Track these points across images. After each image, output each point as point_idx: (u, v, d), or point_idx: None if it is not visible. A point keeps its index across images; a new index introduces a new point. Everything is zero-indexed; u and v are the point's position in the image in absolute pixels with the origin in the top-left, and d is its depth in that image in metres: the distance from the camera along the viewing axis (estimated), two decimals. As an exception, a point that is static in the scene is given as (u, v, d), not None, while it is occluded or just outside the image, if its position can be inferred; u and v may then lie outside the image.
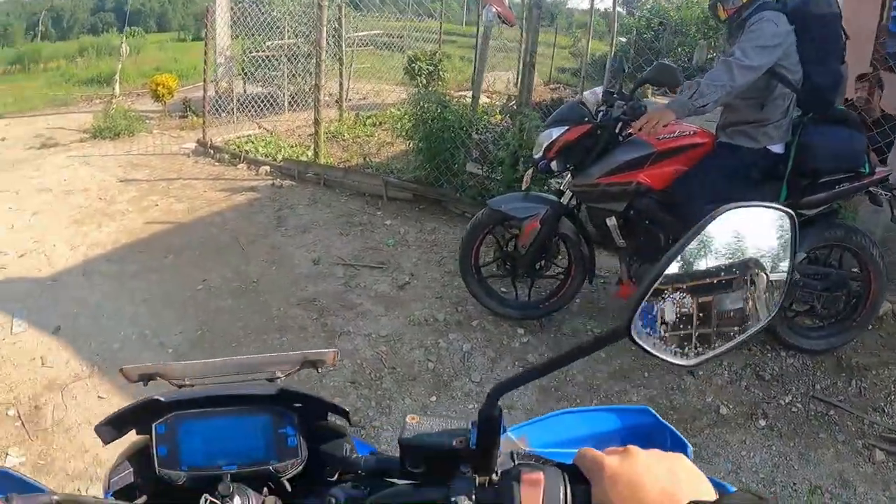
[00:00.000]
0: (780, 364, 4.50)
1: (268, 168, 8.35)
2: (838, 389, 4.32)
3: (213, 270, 5.54)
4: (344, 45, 12.00)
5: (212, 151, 9.28)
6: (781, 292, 1.06)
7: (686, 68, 16.73)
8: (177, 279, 5.44)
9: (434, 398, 4.06)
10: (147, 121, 12.05)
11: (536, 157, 4.44)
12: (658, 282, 0.94)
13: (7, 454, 3.57)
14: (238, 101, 11.69)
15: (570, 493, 0.87)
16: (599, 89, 4.58)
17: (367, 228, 6.45)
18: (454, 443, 0.95)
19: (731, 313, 1.03)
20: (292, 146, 9.40)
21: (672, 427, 1.29)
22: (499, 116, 8.61)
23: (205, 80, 10.10)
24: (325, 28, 8.35)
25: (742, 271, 1.03)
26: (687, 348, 1.00)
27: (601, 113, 4.32)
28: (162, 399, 1.08)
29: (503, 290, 5.02)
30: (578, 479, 0.89)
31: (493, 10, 7.89)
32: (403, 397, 4.03)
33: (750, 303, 1.04)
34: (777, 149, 4.18)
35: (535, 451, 1.08)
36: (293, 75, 12.41)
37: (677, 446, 1.17)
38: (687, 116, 3.92)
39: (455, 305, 5.03)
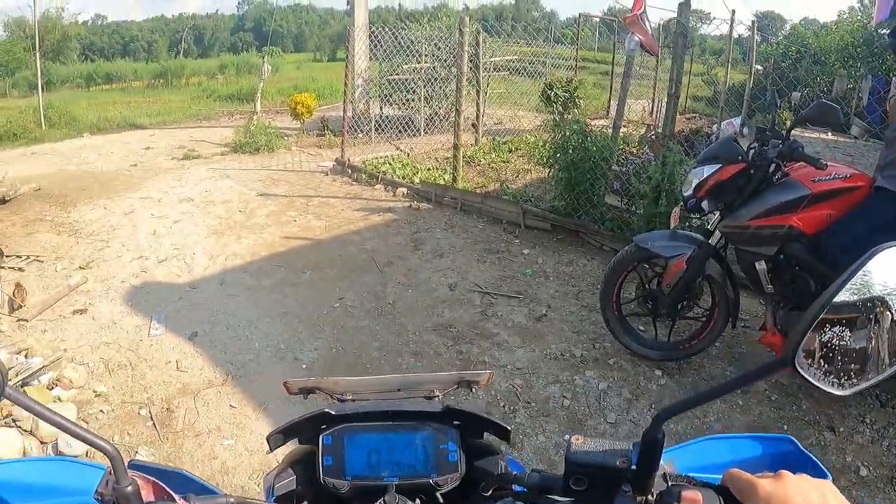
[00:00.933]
0: None
1: (405, 190, 8.39)
2: None
3: (349, 289, 5.55)
4: (481, 70, 12.02)
5: (349, 171, 9.42)
6: None
7: (820, 97, 16.22)
8: (313, 295, 5.46)
9: (567, 437, 3.91)
10: (286, 137, 12.37)
11: (686, 194, 4.28)
12: (821, 315, 0.94)
13: (137, 452, 3.63)
14: (375, 122, 11.86)
15: None
16: (737, 120, 4.42)
17: (505, 256, 6.37)
18: (617, 462, 0.97)
19: (885, 347, 1.00)
20: (428, 169, 9.47)
21: (814, 457, 1.25)
22: (636, 147, 8.43)
23: (344, 101, 10.27)
24: (465, 53, 8.35)
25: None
26: (843, 379, 1.00)
27: (753, 150, 4.13)
28: (332, 412, 1.15)
29: (642, 328, 4.89)
30: (731, 500, 0.91)
31: (637, 38, 7.75)
32: (537, 433, 3.92)
33: None
34: None
35: (683, 474, 1.04)
36: (429, 99, 12.51)
37: (819, 477, 1.05)
38: None
39: (592, 341, 4.89)
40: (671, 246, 4.38)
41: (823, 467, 1.21)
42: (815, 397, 4.33)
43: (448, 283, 5.71)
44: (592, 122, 11.58)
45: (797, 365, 0.93)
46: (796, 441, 1.30)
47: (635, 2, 8.10)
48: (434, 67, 12.70)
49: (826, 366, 0.98)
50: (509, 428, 1.13)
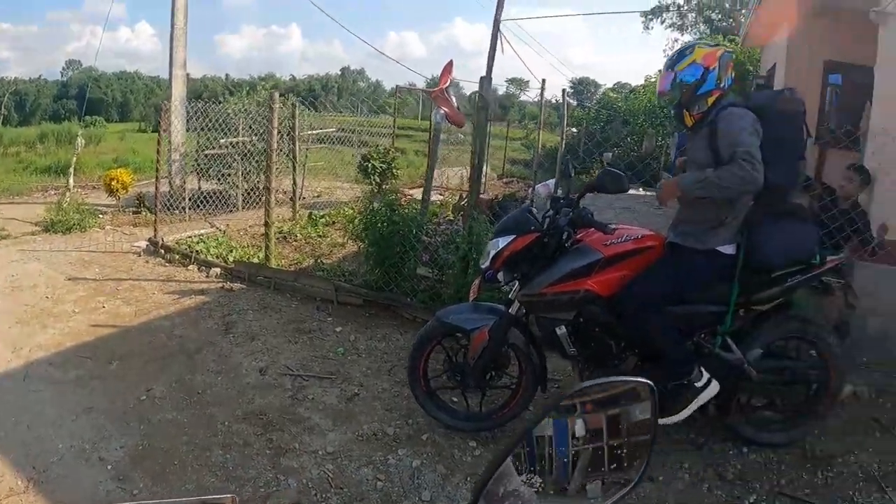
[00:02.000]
0: (742, 461, 4.48)
1: (218, 270, 8.29)
2: (804, 482, 4.30)
3: (158, 379, 5.41)
4: (297, 143, 12.09)
5: (163, 251, 9.21)
6: (646, 456, 1.20)
7: (630, 158, 17.14)
8: (120, 388, 5.29)
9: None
10: (100, 216, 11.97)
11: (483, 266, 4.43)
12: (503, 464, 1.00)
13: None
14: (191, 198, 11.70)
15: None
16: (551, 182, 4.64)
17: (317, 335, 6.37)
18: None
19: (600, 476, 1.14)
20: (244, 247, 9.38)
21: None
22: (451, 215, 8.66)
23: (157, 177, 10.13)
24: (275, 128, 8.39)
25: (603, 439, 1.13)
26: None
27: (548, 219, 4.33)
28: None
29: (455, 400, 4.96)
30: None
31: (442, 111, 8.03)
32: (350, 519, 3.94)
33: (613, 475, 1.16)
34: (728, 250, 4.19)
35: None
36: (247, 173, 12.46)
37: None
38: (689, 197, 4.04)
39: (405, 418, 4.94)
40: (472, 318, 4.52)
41: None
42: None
43: (259, 367, 5.66)
44: (410, 192, 11.83)
45: None
46: None
47: (441, 76, 8.40)
48: (252, 141, 12.67)
49: None
50: None
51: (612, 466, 1.19)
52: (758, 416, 4.63)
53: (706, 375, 4.16)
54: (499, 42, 7.08)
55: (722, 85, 4.15)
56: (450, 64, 8.37)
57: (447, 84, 8.26)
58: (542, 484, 1.09)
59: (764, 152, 3.98)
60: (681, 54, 4.25)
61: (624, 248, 4.20)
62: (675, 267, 4.19)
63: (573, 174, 4.78)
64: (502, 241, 4.29)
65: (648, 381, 1.16)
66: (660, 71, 4.43)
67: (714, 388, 4.16)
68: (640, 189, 13.41)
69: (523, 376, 4.61)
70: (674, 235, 4.34)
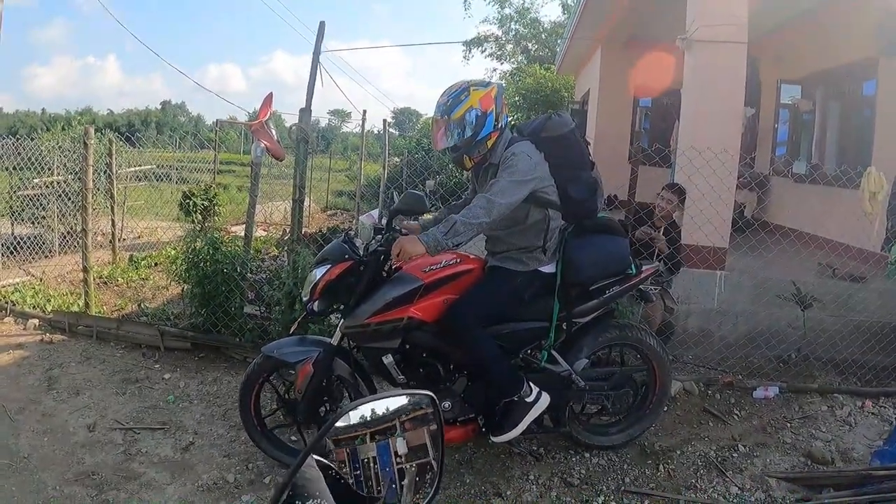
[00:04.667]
0: (585, 466, 4.71)
1: (37, 321, 7.87)
2: (648, 478, 4.58)
3: (-23, 446, 5.10)
4: (115, 182, 11.71)
5: (-25, 304, 8.69)
6: (437, 469, 1.17)
7: (455, 184, 17.46)
8: None
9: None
10: None
11: (305, 299, 4.45)
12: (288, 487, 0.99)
13: None
14: (4, 243, 11.11)
15: None
16: (375, 212, 4.70)
17: (145, 385, 6.17)
18: None
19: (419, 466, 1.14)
20: (63, 294, 8.95)
21: None
22: (276, 250, 8.59)
23: (-35, 223, 9.56)
24: (90, 166, 8.08)
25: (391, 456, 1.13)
26: None
27: (366, 249, 4.40)
28: None
29: (293, 439, 4.96)
30: None
31: (262, 145, 7.99)
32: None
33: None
34: (548, 269, 4.39)
35: None
36: (64, 214, 11.95)
37: None
38: (438, 253, 4.01)
39: (245, 463, 4.87)
40: (297, 351, 4.54)
41: None
42: (477, 468, 4.69)
43: (87, 423, 5.42)
44: (235, 228, 11.66)
45: None
46: None
47: (261, 109, 8.37)
48: (67, 181, 12.16)
49: None
50: None
51: (402, 482, 1.19)
52: (594, 421, 4.91)
53: (535, 389, 4.32)
54: (319, 74, 7.11)
55: (500, 125, 4.26)
56: (270, 96, 8.35)
57: (267, 117, 8.23)
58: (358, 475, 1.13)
59: (555, 174, 4.24)
60: (455, 99, 4.24)
61: (443, 272, 4.33)
62: (495, 288, 4.34)
63: (395, 201, 4.85)
64: (318, 272, 4.31)
65: (429, 393, 1.20)
66: (433, 120, 4.44)
67: (545, 400, 4.33)
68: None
69: (353, 408, 4.62)
70: (493, 260, 4.48)
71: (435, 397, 1.22)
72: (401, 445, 1.19)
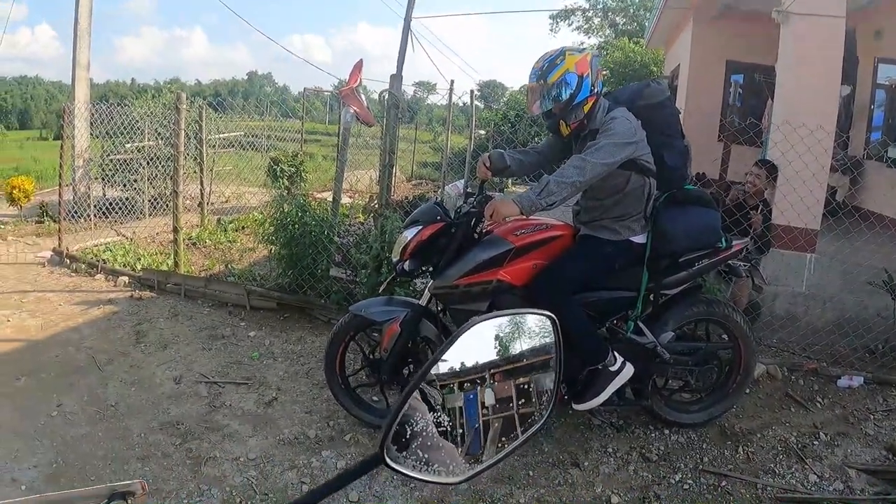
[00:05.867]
0: (664, 443, 4.65)
1: (126, 279, 8.14)
2: (726, 459, 4.50)
3: (68, 394, 5.27)
4: (205, 147, 11.91)
5: (68, 261, 8.98)
6: (553, 390, 1.16)
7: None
8: (29, 405, 5.13)
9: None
10: (2, 226, 11.62)
11: (394, 260, 4.45)
12: (408, 403, 0.97)
13: None
14: (97, 205, 11.42)
15: None
16: (461, 182, 4.69)
17: (231, 341, 6.32)
18: None
19: (505, 418, 1.10)
20: (152, 254, 9.22)
21: None
22: (361, 217, 8.65)
23: (60, 185, 9.86)
24: (182, 131, 8.23)
25: (509, 373, 1.10)
26: (454, 465, 1.03)
27: (458, 212, 4.38)
28: None
29: (375, 398, 4.98)
30: None
31: (352, 111, 8.04)
32: (277, 525, 3.90)
33: (524, 405, 1.12)
34: (639, 239, 4.33)
35: None
36: (153, 178, 12.22)
37: None
38: (533, 213, 3.95)
39: (326, 420, 4.92)
40: (385, 311, 4.55)
41: None
42: (556, 438, 4.67)
43: (173, 376, 5.58)
44: (321, 195, 11.78)
45: (388, 459, 0.95)
46: None
47: (351, 75, 8.41)
48: (157, 146, 12.42)
49: (427, 455, 1.01)
50: None
51: (519, 402, 1.16)
52: (675, 397, 4.84)
53: (620, 359, 4.28)
54: (410, 41, 7.12)
55: (596, 90, 4.20)
56: (360, 63, 8.39)
57: (357, 83, 8.27)
58: (448, 422, 1.08)
59: (652, 141, 4.17)
60: (551, 63, 4.18)
61: (534, 237, 4.29)
62: (586, 255, 4.30)
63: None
64: (409, 233, 4.32)
65: (550, 314, 1.20)
66: (529, 86, 4.39)
67: (629, 371, 4.28)
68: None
69: (440, 369, 4.62)
70: (585, 229, 4.43)
71: (555, 318, 1.21)
72: (489, 397, 1.14)
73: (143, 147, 12.34)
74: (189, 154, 11.49)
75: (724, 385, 4.79)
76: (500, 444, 1.09)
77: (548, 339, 1.17)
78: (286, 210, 7.02)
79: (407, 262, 4.37)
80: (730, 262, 4.62)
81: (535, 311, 1.18)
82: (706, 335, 4.86)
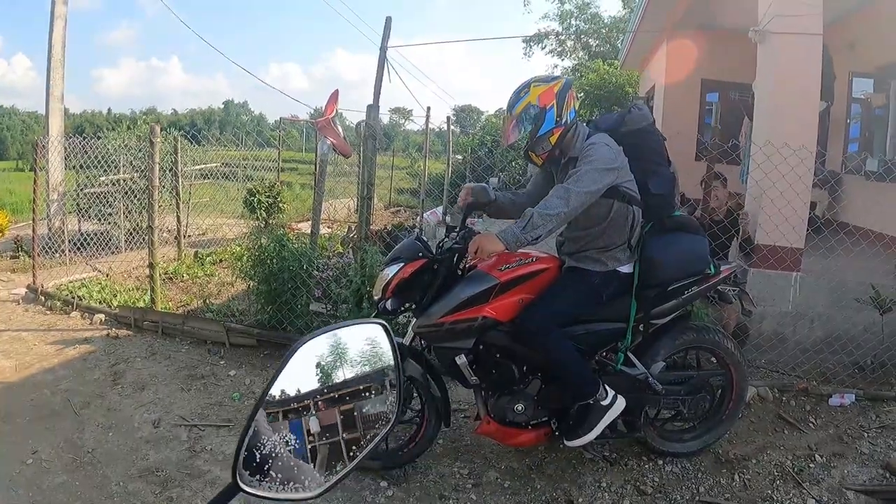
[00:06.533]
0: (659, 474, 4.57)
1: (102, 316, 7.99)
2: (723, 487, 4.42)
3: (44, 440, 5.11)
4: (181, 179, 11.81)
5: (43, 298, 8.82)
6: (397, 393, 1.18)
7: (519, 182, 17.39)
8: (4, 451, 4.96)
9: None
10: (-24, 262, 11.46)
11: (376, 298, 4.34)
12: (252, 428, 1.00)
13: None
14: (72, 240, 11.28)
15: None
16: (439, 209, 4.63)
17: (211, 381, 6.17)
18: None
19: (332, 444, 1.11)
20: (129, 290, 9.08)
21: None
22: (340, 248, 8.56)
23: (34, 219, 9.66)
24: (157, 164, 8.11)
25: (351, 383, 1.12)
26: (308, 479, 1.06)
27: (440, 247, 4.31)
28: None
29: (360, 441, 4.86)
30: None
31: (329, 142, 7.97)
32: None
33: (369, 410, 1.14)
34: (626, 269, 4.26)
35: None
36: (129, 212, 12.11)
37: None
38: (518, 248, 3.88)
39: (310, 463, 4.79)
40: None
41: None
42: (548, 474, 4.58)
43: (152, 419, 5.42)
44: (299, 226, 11.70)
45: (243, 485, 0.97)
46: None
47: (327, 106, 8.34)
48: (133, 178, 12.31)
49: (281, 474, 1.03)
50: None
51: (314, 461, 1.16)
52: (668, 427, 4.77)
53: (611, 392, 4.20)
54: (386, 70, 7.06)
55: (563, 121, 4.13)
56: (335, 93, 8.32)
57: (333, 114, 8.21)
58: (294, 440, 1.11)
59: (636, 169, 4.11)
60: (517, 95, 4.20)
61: (519, 271, 4.20)
62: (573, 288, 4.21)
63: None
64: (391, 270, 4.21)
65: (380, 321, 1.19)
66: (503, 115, 4.44)
67: (621, 404, 4.21)
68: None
69: (426, 409, 4.54)
70: (571, 260, 4.35)
71: (387, 325, 1.21)
72: (314, 425, 1.16)
73: (119, 180, 12.22)
74: (165, 186, 11.39)
75: (716, 412, 4.73)
76: (351, 452, 1.11)
77: (382, 348, 1.17)
78: (264, 244, 6.91)
79: (389, 301, 4.26)
80: (718, 287, 4.56)
81: (365, 320, 1.19)
82: (696, 362, 4.78)
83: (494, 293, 4.14)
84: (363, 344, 1.15)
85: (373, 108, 7.02)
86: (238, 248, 10.85)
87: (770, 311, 6.93)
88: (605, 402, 4.18)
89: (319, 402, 1.10)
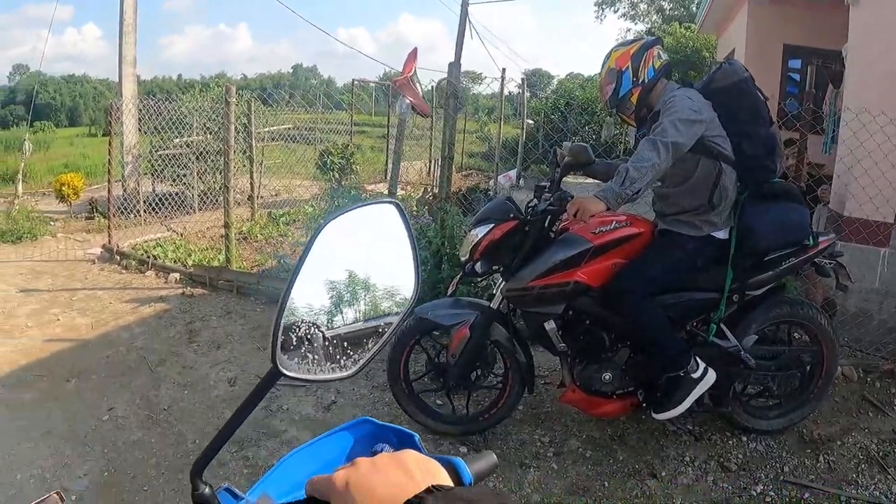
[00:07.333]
0: (743, 451, 4.38)
1: (177, 275, 7.99)
2: (807, 468, 4.22)
3: (119, 397, 5.07)
4: (254, 141, 11.77)
5: (118, 257, 8.89)
6: (418, 273, 1.16)
7: (594, 146, 17.12)
8: (79, 408, 4.94)
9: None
10: (52, 223, 11.65)
11: (463, 259, 4.22)
12: (286, 309, 0.98)
13: None
14: (146, 201, 11.32)
15: None
16: (513, 172, 4.48)
17: (287, 341, 6.04)
18: None
19: (374, 308, 1.12)
20: (203, 249, 9.09)
21: (394, 426, 1.25)
22: (415, 209, 8.44)
23: (109, 181, 9.76)
24: (232, 124, 8.05)
25: (370, 266, 1.11)
26: (342, 360, 1.06)
27: (531, 209, 4.16)
28: None
29: (440, 403, 4.72)
30: None
31: (408, 101, 7.81)
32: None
33: (395, 290, 1.15)
34: (721, 235, 4.06)
35: (280, 502, 1.08)
36: (202, 173, 12.12)
37: (406, 442, 1.19)
38: (620, 206, 3.72)
39: (388, 425, 4.67)
40: (452, 314, 4.27)
41: (407, 430, 1.22)
42: (631, 445, 4.40)
43: (227, 377, 5.37)
44: (370, 188, 11.60)
45: (280, 367, 0.97)
46: (373, 419, 1.30)
47: (405, 65, 8.18)
48: (206, 140, 12.31)
49: (316, 356, 1.04)
50: None
51: (386, 290, 1.16)
52: (753, 403, 4.54)
53: (702, 365, 4.01)
54: (468, 28, 6.86)
55: (640, 80, 4.03)
56: (414, 51, 8.16)
57: (412, 72, 8.04)
58: (327, 321, 1.09)
59: (729, 128, 3.94)
60: (602, 63, 4.22)
61: (613, 235, 4.02)
62: (668, 254, 4.04)
63: (561, 163, 4.53)
64: (480, 231, 4.07)
65: (393, 200, 1.15)
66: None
67: (711, 377, 4.01)
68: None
69: (510, 374, 4.39)
70: (664, 223, 4.17)
71: (399, 205, 1.17)
72: (342, 305, 1.13)
73: (192, 142, 12.23)
74: (238, 148, 11.35)
75: (804, 389, 4.48)
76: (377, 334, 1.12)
77: (398, 230, 1.15)
78: (340, 203, 6.78)
79: (478, 263, 4.12)
80: (815, 260, 4.31)
81: (379, 200, 1.16)
82: (787, 337, 4.54)
83: (587, 257, 3.97)
84: (381, 224, 1.14)
85: (454, 66, 6.81)
86: (311, 209, 10.79)
87: (856, 286, 6.57)
88: (696, 375, 3.99)
89: (345, 283, 1.10)
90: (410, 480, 0.80)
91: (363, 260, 1.11)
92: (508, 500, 0.78)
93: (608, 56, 4.16)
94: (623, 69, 4.03)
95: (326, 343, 1.03)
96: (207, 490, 0.95)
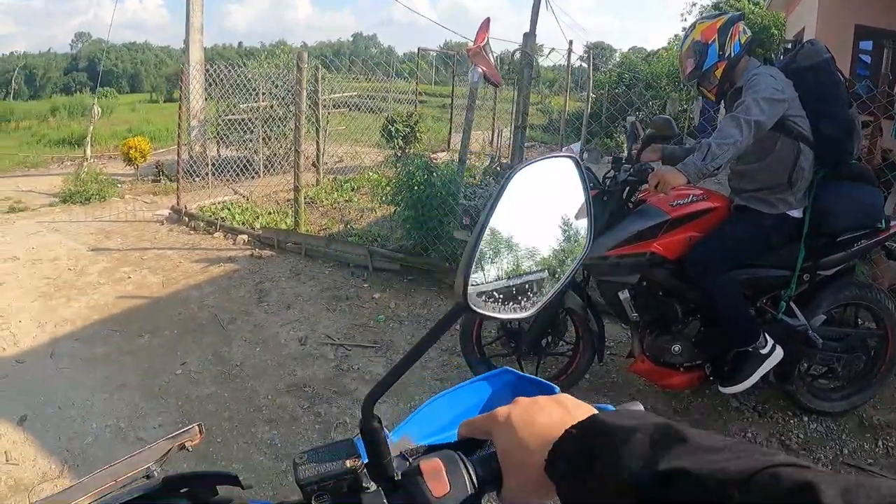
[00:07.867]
0: (804, 430, 4.33)
1: (245, 237, 8.05)
2: (866, 452, 4.16)
3: (192, 352, 5.15)
4: (320, 107, 11.77)
5: (186, 219, 8.99)
6: (591, 224, 1.14)
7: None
8: (153, 362, 5.02)
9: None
10: (119, 185, 11.78)
11: None
12: (478, 249, 0.96)
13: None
14: (212, 165, 11.40)
15: (469, 463, 0.90)
16: (576, 146, 4.43)
17: (355, 303, 6.12)
18: (348, 464, 0.93)
19: (553, 254, 1.09)
20: (270, 213, 9.17)
21: (533, 377, 1.31)
22: (478, 179, 8.40)
23: (178, 144, 9.85)
24: (304, 90, 8.08)
25: (548, 216, 1.09)
26: (522, 300, 1.03)
27: (609, 179, 4.15)
28: None
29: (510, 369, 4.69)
30: (471, 449, 0.95)
31: (480, 70, 7.70)
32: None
33: (571, 237, 1.11)
34: (796, 213, 4.01)
35: (422, 444, 1.07)
36: (268, 138, 12.17)
37: (545, 392, 1.18)
38: (700, 180, 3.69)
39: (457, 388, 4.65)
40: None
41: (549, 383, 1.24)
42: (695, 419, 4.38)
43: (298, 336, 5.40)
44: (434, 156, 11.53)
45: (472, 306, 0.95)
46: (512, 370, 1.34)
47: (478, 34, 8.06)
48: (272, 106, 12.36)
49: (501, 295, 1.01)
50: (234, 474, 1.02)
51: (564, 235, 1.12)
52: (816, 384, 4.50)
53: (771, 342, 3.98)
54: (542, -1, 6.77)
55: (726, 54, 3.98)
56: (487, 21, 8.02)
57: (485, 41, 7.93)
58: (511, 263, 1.05)
59: (808, 108, 3.89)
60: (686, 34, 4.20)
61: (690, 208, 4.02)
62: (743, 229, 4.01)
63: (640, 136, 4.48)
64: None
65: (571, 156, 1.11)
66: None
67: (779, 354, 3.99)
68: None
69: (580, 342, 4.38)
70: (740, 199, 4.13)
71: (577, 159, 1.11)
72: (527, 250, 1.10)
73: (258, 107, 12.27)
74: (304, 114, 11.39)
75: (868, 373, 4.42)
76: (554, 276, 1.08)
77: (573, 182, 1.12)
78: (412, 171, 6.76)
79: None
80: (886, 244, 4.28)
81: (559, 154, 1.14)
82: (854, 320, 4.45)
83: (664, 229, 3.98)
84: (559, 177, 1.10)
85: (529, 37, 6.72)
86: (375, 176, 10.78)
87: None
88: (764, 351, 3.98)
89: (526, 229, 1.06)
90: (568, 414, 0.84)
91: (542, 209, 1.08)
92: (671, 422, 0.76)
93: (692, 28, 4.12)
94: (709, 42, 3.99)
95: (509, 284, 1.01)
96: (376, 423, 0.91)
